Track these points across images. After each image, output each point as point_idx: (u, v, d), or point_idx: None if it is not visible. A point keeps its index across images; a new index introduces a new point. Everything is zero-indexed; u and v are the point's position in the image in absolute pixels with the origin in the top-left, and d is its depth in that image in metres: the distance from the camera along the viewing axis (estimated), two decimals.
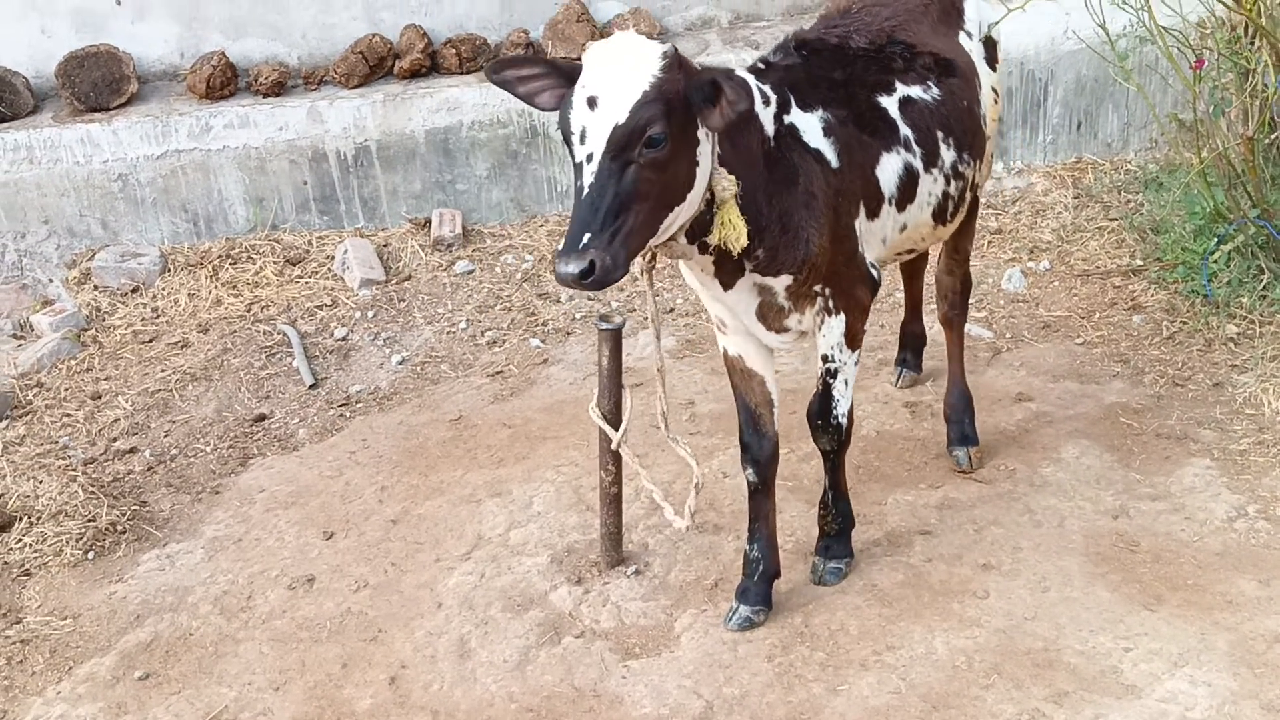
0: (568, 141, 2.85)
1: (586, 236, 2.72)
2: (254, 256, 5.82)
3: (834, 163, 3.20)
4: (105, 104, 5.91)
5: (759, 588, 3.54)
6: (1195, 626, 3.35)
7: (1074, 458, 4.10)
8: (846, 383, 3.42)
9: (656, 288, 3.67)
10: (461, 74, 6.17)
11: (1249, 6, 4.48)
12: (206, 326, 5.41)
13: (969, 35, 3.79)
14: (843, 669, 3.31)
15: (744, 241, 2.99)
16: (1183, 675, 3.19)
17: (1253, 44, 4.53)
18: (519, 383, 4.95)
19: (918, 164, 3.43)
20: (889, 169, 3.37)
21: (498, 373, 5.03)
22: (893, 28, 3.54)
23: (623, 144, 2.75)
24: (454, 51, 6.16)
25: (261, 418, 4.81)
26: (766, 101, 3.14)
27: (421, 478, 4.32)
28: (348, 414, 4.80)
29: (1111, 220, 5.56)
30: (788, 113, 3.18)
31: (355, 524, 4.10)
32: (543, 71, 2.99)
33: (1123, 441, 4.17)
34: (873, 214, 3.36)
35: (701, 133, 2.90)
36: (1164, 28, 4.54)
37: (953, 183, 3.57)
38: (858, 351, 3.42)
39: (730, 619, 3.52)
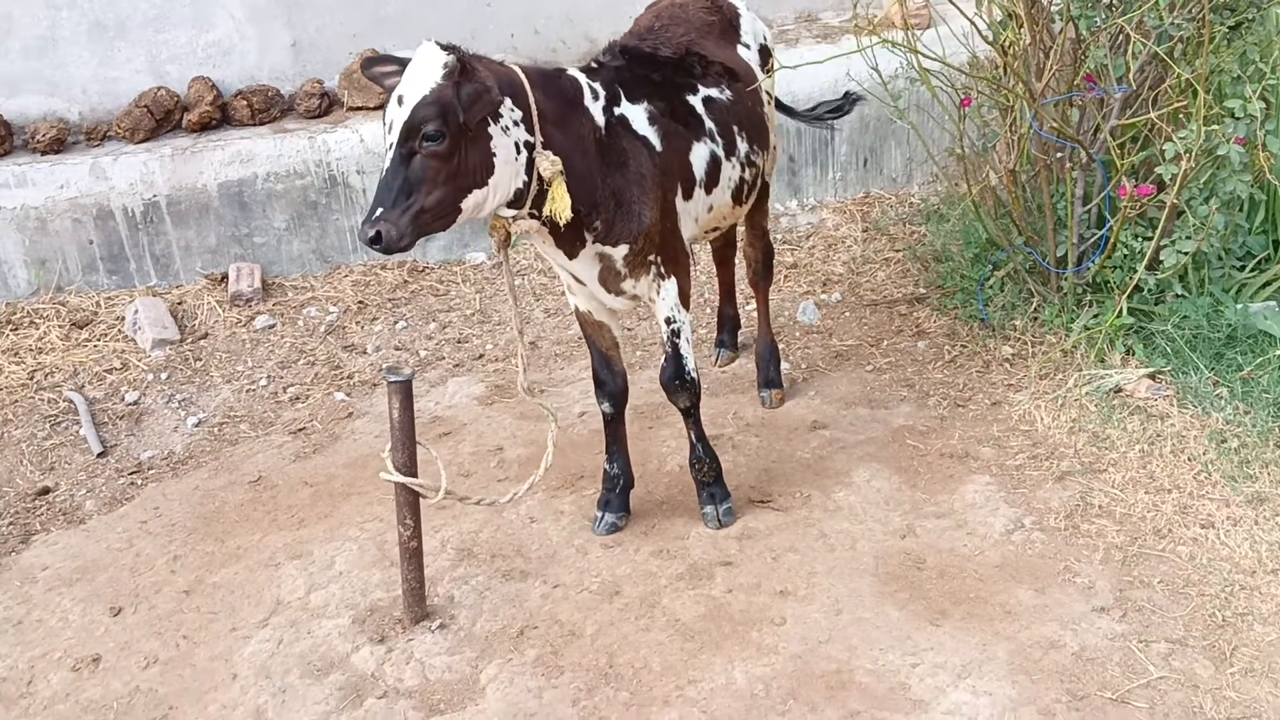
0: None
1: (379, 210, 3.21)
2: (37, 321, 5.56)
3: (658, 146, 3.75)
4: None
5: (620, 498, 4.13)
6: (977, 638, 3.52)
7: (865, 481, 4.26)
8: (687, 340, 3.95)
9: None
10: (254, 125, 6.06)
11: (1005, 47, 4.79)
12: None
13: (746, 47, 4.37)
14: (646, 707, 3.35)
15: (568, 215, 3.45)
16: (966, 686, 3.34)
17: (1011, 83, 4.83)
18: (322, 439, 4.85)
19: (720, 152, 3.99)
20: (699, 156, 3.91)
21: (300, 429, 4.92)
22: (688, 43, 4.12)
23: (405, 136, 3.23)
24: (245, 103, 6.05)
25: (45, 491, 4.58)
26: (596, 96, 3.67)
27: (217, 544, 4.18)
28: (139, 482, 4.62)
29: (897, 251, 5.83)
30: (618, 105, 3.70)
31: (145, 597, 3.93)
32: (401, 68, 3.37)
33: (910, 463, 4.36)
34: (687, 195, 3.89)
35: (498, 128, 3.35)
36: (929, 70, 4.80)
37: (747, 170, 4.15)
38: (689, 312, 3.95)
39: (598, 526, 4.09)
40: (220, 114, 6.05)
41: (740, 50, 4.34)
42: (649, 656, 3.53)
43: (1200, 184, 4.54)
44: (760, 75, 4.39)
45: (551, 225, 3.53)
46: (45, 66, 5.92)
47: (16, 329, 5.51)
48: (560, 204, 3.44)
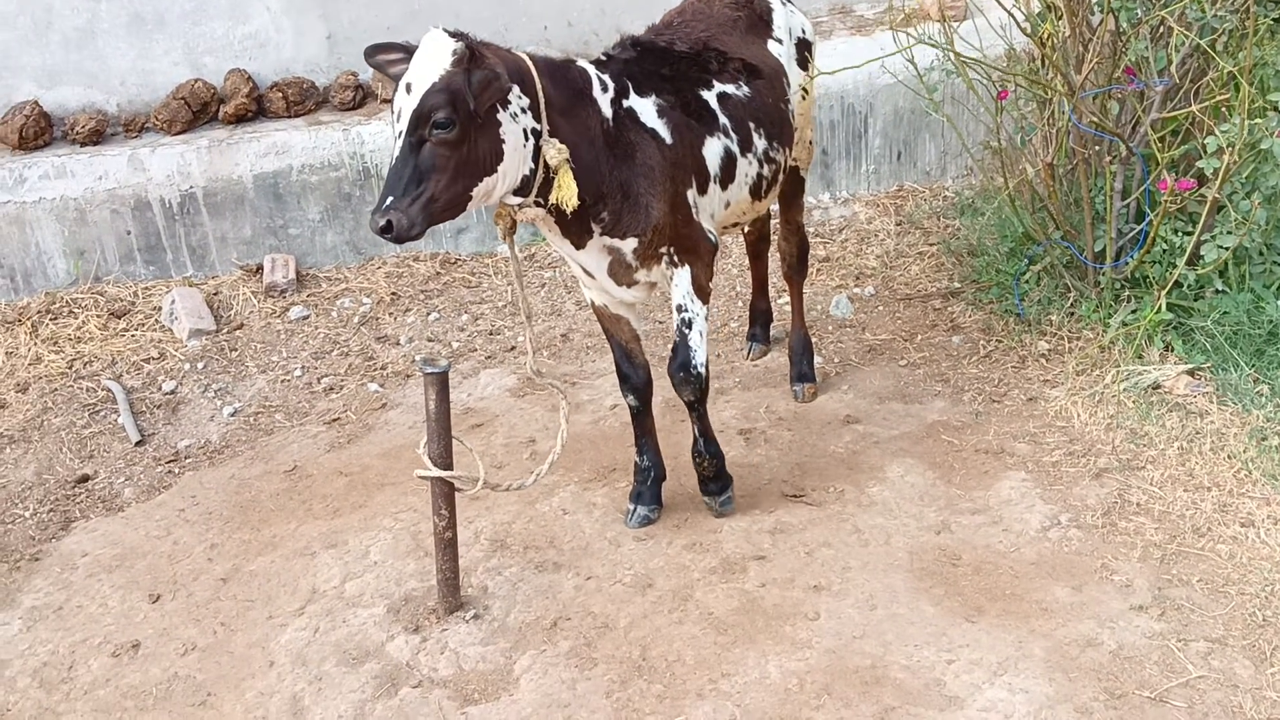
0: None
1: (389, 199, 3.22)
2: (76, 311, 5.62)
3: (668, 139, 3.71)
4: None
5: (652, 490, 4.11)
6: (1013, 635, 3.49)
7: (899, 476, 4.24)
8: (700, 334, 3.87)
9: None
10: (289, 117, 6.09)
11: (1044, 39, 4.74)
12: (25, 386, 5.19)
13: (778, 42, 4.31)
14: (679, 700, 3.35)
15: (574, 202, 3.47)
16: (1002, 684, 3.32)
17: (1049, 75, 4.79)
18: (356, 429, 4.88)
19: (735, 148, 3.96)
20: (713, 151, 3.88)
21: (334, 420, 4.95)
22: (707, 38, 4.08)
23: (415, 125, 3.23)
24: (281, 95, 6.08)
25: (85, 479, 4.63)
26: (605, 88, 3.65)
27: (254, 533, 4.21)
28: (176, 470, 4.66)
29: (931, 245, 5.80)
30: (626, 98, 3.68)
31: (183, 584, 3.97)
32: (406, 56, 3.38)
33: (944, 458, 4.33)
34: (702, 190, 3.85)
35: (507, 115, 3.35)
36: (966, 61, 4.76)
37: (765, 166, 4.10)
38: (707, 306, 3.88)
39: (630, 519, 4.08)
40: (256, 106, 6.09)
41: (771, 45, 4.28)
42: (682, 649, 3.53)
43: (1242, 178, 4.49)
44: (794, 70, 4.36)
45: (558, 214, 3.55)
46: (84, 58, 5.98)
47: (56, 318, 5.57)
48: (566, 191, 3.45)
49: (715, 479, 4.09)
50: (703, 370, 3.89)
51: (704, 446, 4.05)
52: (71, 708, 3.50)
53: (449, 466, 3.60)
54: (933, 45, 4.71)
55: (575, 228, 3.64)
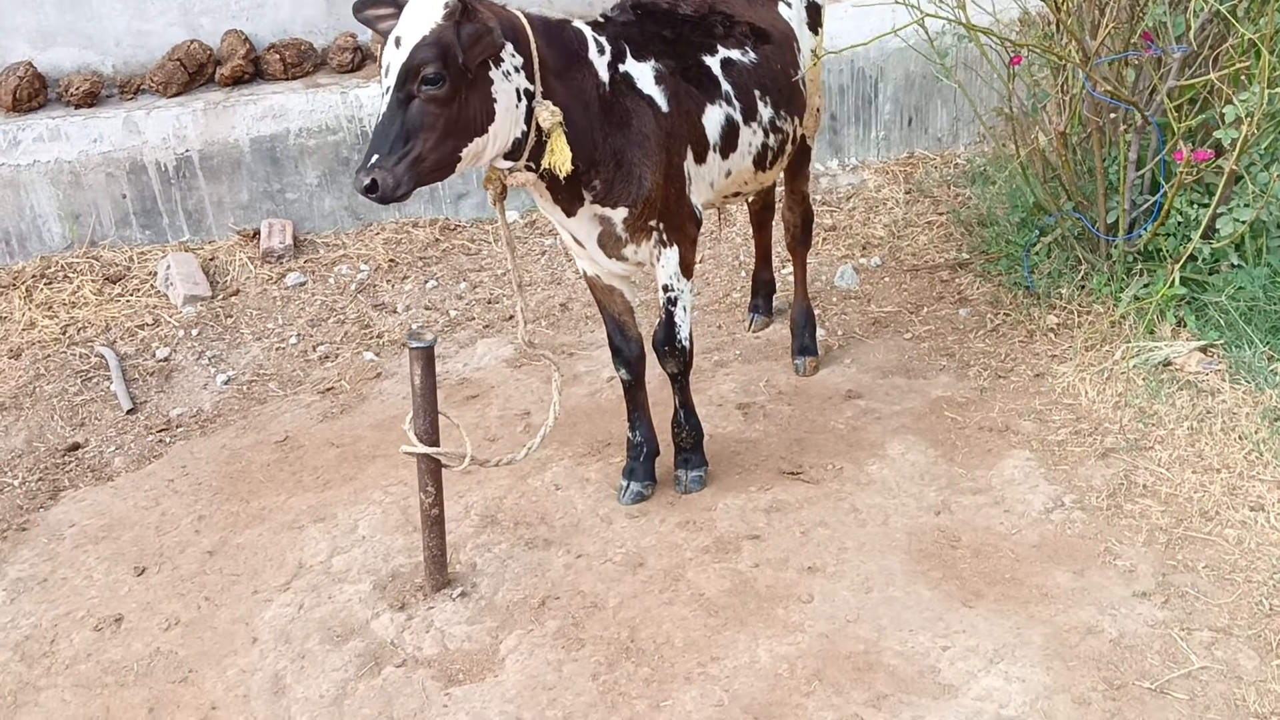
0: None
1: (375, 158, 3.10)
2: (71, 275, 5.55)
3: (664, 107, 3.60)
4: None
5: (645, 466, 4.03)
6: (1011, 621, 3.40)
7: (900, 454, 4.14)
8: (685, 309, 3.84)
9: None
10: (287, 80, 5.98)
11: (1058, 3, 4.58)
12: (18, 351, 5.13)
13: (788, 5, 4.20)
14: (667, 684, 3.28)
15: (568, 167, 3.35)
16: (998, 672, 3.23)
17: (1063, 41, 4.63)
18: (350, 399, 4.81)
19: (738, 116, 3.84)
20: (713, 119, 3.77)
21: (328, 389, 4.88)
22: (714, 1, 3.94)
23: (403, 80, 3.11)
24: (278, 57, 5.97)
25: (75, 447, 4.58)
26: (601, 51, 3.54)
27: (242, 505, 4.15)
28: (168, 439, 4.60)
29: (940, 215, 5.66)
30: (623, 62, 3.56)
31: (169, 557, 3.92)
32: (396, 11, 3.24)
33: (947, 435, 4.23)
34: (700, 159, 3.76)
35: (499, 73, 3.23)
36: (977, 26, 4.61)
37: (771, 135, 3.99)
38: (691, 281, 3.84)
39: (623, 496, 4.00)
40: (253, 68, 5.98)
41: (781, 9, 4.17)
42: (671, 631, 3.45)
43: (1261, 149, 4.34)
44: (805, 34, 4.23)
45: (550, 179, 3.45)
46: (79, 19, 5.87)
47: (50, 283, 5.50)
48: (560, 156, 3.35)
49: (693, 450, 4.06)
50: (687, 344, 3.88)
51: (684, 418, 4.04)
52: (51, 682, 3.45)
53: (435, 442, 3.52)
54: (944, 17, 4.56)
55: (566, 194, 3.54)
